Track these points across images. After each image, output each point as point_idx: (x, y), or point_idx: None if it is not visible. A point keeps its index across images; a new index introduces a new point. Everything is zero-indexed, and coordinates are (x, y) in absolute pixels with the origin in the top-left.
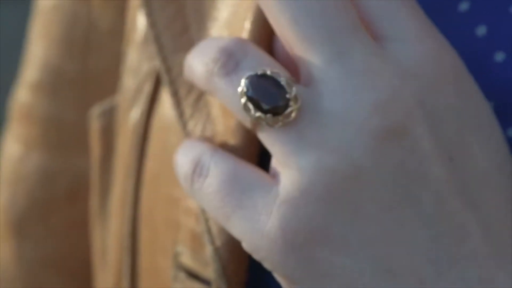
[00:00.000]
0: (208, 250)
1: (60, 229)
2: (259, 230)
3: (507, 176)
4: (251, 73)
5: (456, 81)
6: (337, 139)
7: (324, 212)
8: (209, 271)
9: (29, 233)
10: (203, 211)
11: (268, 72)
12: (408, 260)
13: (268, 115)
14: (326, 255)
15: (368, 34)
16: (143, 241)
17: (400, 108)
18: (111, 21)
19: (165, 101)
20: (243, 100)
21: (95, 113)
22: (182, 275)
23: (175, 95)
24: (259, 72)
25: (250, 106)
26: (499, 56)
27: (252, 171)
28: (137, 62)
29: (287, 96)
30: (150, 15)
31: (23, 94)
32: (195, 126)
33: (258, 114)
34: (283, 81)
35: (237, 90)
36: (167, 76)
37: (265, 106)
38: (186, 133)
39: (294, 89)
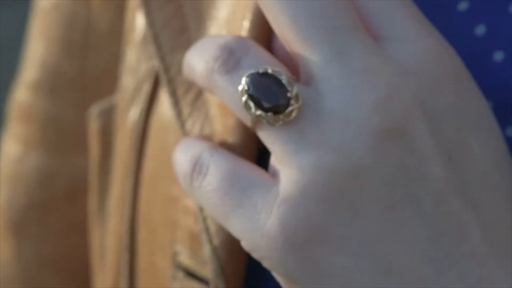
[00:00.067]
0: (206, 250)
1: (59, 229)
2: (259, 229)
3: (506, 175)
4: (252, 71)
5: (456, 80)
6: (337, 138)
7: (324, 211)
8: (207, 271)
9: (28, 233)
10: (201, 210)
11: (270, 71)
12: (407, 260)
13: (269, 114)
14: (326, 255)
15: (368, 34)
16: (142, 240)
17: (399, 108)
18: (110, 21)
19: (164, 100)
20: (244, 98)
21: (94, 112)
22: (180, 275)
23: (173, 94)
24: (261, 71)
25: (251, 104)
26: (498, 56)
27: (252, 170)
28: (136, 61)
29: (288, 95)
30: (149, 14)
31: (22, 93)
32: (193, 125)
33: (259, 112)
34: (284, 79)
35: (237, 88)
36: (165, 76)
37: (266, 105)
38: (184, 133)
39: (295, 88)
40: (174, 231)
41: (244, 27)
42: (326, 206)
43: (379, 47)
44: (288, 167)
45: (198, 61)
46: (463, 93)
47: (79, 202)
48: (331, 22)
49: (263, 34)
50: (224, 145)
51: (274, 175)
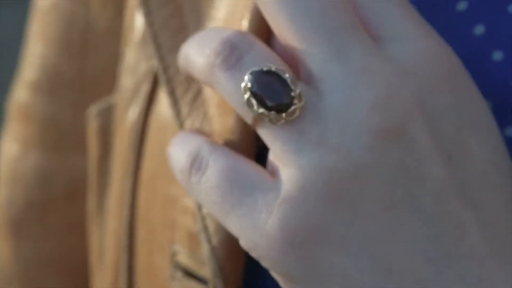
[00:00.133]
0: (205, 249)
1: (58, 229)
2: (259, 228)
3: (505, 175)
4: (255, 68)
5: (454, 80)
6: (337, 138)
7: (324, 211)
8: (206, 270)
9: (27, 233)
10: (200, 210)
11: (273, 69)
12: (407, 260)
13: (272, 112)
14: (326, 254)
15: (367, 34)
16: (140, 240)
17: (399, 107)
18: (109, 21)
19: (163, 100)
20: (246, 95)
21: (93, 112)
22: (179, 274)
23: (172, 94)
24: (265, 69)
25: (253, 102)
26: (497, 56)
27: (252, 167)
28: (135, 61)
29: (292, 94)
30: (147, 14)
31: (21, 93)
32: (192, 125)
33: (261, 110)
34: (288, 78)
35: (239, 85)
36: (164, 75)
37: (269, 103)
38: None
39: (298, 87)
40: (173, 231)
41: (243, 27)
42: (326, 206)
43: (378, 47)
44: (288, 167)
45: (198, 54)
46: (462, 93)
47: (78, 202)
48: (330, 22)
49: (262, 34)
50: (223, 145)
51: (273, 173)
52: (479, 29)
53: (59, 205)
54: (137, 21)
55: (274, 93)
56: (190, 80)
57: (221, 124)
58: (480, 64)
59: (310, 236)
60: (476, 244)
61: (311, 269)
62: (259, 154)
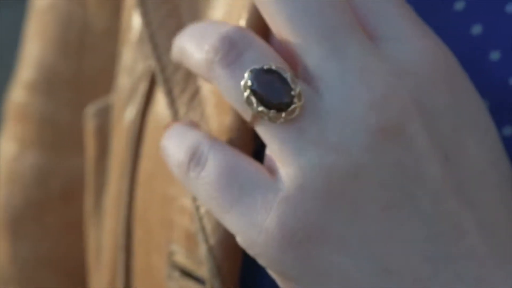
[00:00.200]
0: (202, 249)
1: (56, 229)
2: (257, 226)
3: (503, 174)
4: (256, 66)
5: (452, 79)
6: (336, 137)
7: (323, 210)
8: (203, 270)
9: (24, 233)
10: (197, 210)
11: (273, 67)
12: (406, 259)
13: (272, 111)
14: (325, 254)
15: (364, 34)
16: (138, 240)
17: (396, 106)
18: (106, 21)
19: (160, 100)
20: (246, 93)
21: (90, 112)
22: (176, 274)
23: (169, 94)
24: (265, 67)
25: (253, 100)
26: (494, 55)
27: (252, 165)
28: (132, 61)
29: (292, 93)
30: (145, 14)
31: (18, 93)
32: None
33: (261, 108)
34: (288, 77)
35: (239, 82)
36: (161, 75)
37: (269, 102)
38: None
39: (298, 86)
40: (170, 231)
41: None
42: (325, 205)
43: (375, 47)
44: (287, 166)
45: (196, 48)
46: (460, 93)
47: (75, 202)
48: (328, 21)
49: (260, 33)
50: None
51: (272, 171)
52: (477, 29)
53: (56, 204)
54: (134, 21)
55: (275, 91)
56: (187, 80)
57: (218, 124)
58: (478, 63)
59: (308, 235)
60: (474, 244)
61: (309, 268)
62: (255, 152)
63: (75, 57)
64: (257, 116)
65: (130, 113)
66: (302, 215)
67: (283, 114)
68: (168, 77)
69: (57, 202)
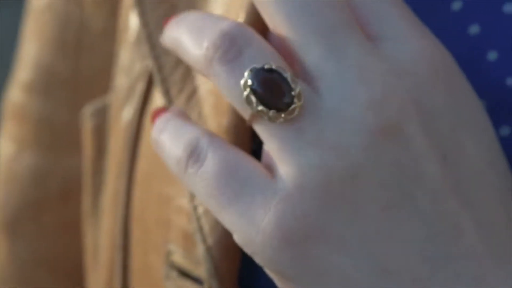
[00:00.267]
0: (200, 249)
1: (53, 228)
2: (255, 224)
3: (500, 174)
4: (256, 65)
5: (449, 79)
6: (335, 137)
7: (322, 210)
8: (201, 270)
9: (22, 233)
10: (195, 210)
11: (274, 67)
12: (405, 259)
13: (272, 110)
14: (323, 253)
15: (363, 34)
16: (135, 240)
17: (394, 106)
18: (104, 21)
19: (157, 100)
20: (245, 92)
21: (87, 112)
22: (174, 274)
23: (167, 94)
24: (266, 66)
25: (253, 99)
26: (492, 55)
27: (250, 163)
28: (130, 61)
29: (292, 93)
30: (142, 14)
31: (15, 93)
32: None
33: (261, 108)
34: (288, 77)
35: (239, 81)
36: (158, 75)
37: (269, 101)
38: None
39: (298, 86)
40: (168, 231)
41: None
42: (324, 205)
43: (374, 47)
44: (286, 165)
45: (194, 44)
46: (457, 93)
47: (72, 202)
48: (326, 21)
49: (258, 33)
50: None
51: (270, 170)
52: (474, 29)
53: (54, 204)
54: (132, 21)
55: (275, 91)
56: (185, 80)
57: (216, 124)
58: (475, 63)
59: (307, 235)
60: (473, 244)
61: (308, 268)
62: (252, 153)
63: (73, 57)
64: (256, 115)
65: (127, 113)
66: (301, 215)
67: (283, 114)
68: (166, 77)
69: (55, 202)
